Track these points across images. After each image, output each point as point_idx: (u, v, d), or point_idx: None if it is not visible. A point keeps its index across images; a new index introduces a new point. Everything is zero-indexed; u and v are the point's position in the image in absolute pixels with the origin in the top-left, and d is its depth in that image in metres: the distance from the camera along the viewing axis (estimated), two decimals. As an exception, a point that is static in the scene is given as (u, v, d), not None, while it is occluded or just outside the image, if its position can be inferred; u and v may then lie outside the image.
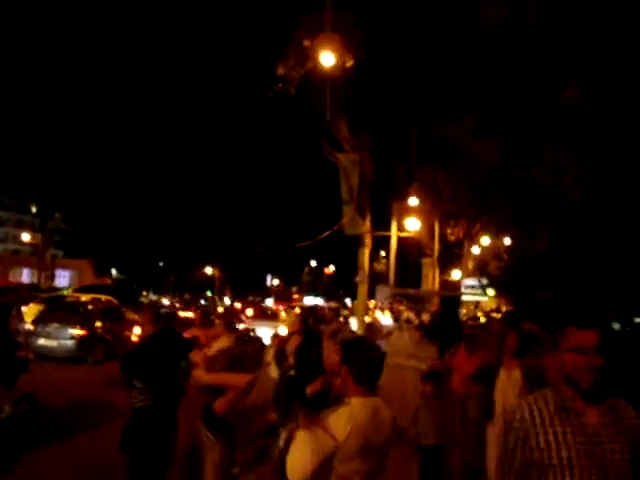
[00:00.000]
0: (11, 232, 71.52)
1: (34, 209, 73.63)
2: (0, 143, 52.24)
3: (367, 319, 30.51)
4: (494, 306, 43.09)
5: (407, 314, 29.57)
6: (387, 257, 23.38)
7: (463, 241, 22.86)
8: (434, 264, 27.41)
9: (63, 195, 70.00)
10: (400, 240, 26.23)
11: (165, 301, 44.67)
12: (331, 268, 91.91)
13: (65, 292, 20.84)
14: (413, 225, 19.36)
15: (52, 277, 52.55)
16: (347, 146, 19.11)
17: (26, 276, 55.97)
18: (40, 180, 65.76)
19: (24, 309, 13.86)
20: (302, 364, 5.29)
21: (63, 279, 62.30)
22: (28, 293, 18.36)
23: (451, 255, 34.67)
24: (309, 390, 4.04)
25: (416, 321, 27.37)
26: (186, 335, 6.83)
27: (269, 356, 7.04)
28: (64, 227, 75.71)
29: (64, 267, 62.12)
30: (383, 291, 18.58)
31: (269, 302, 55.66)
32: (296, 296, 69.52)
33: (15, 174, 62.68)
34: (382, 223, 20.73)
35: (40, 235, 49.96)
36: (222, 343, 6.08)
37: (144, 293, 54.21)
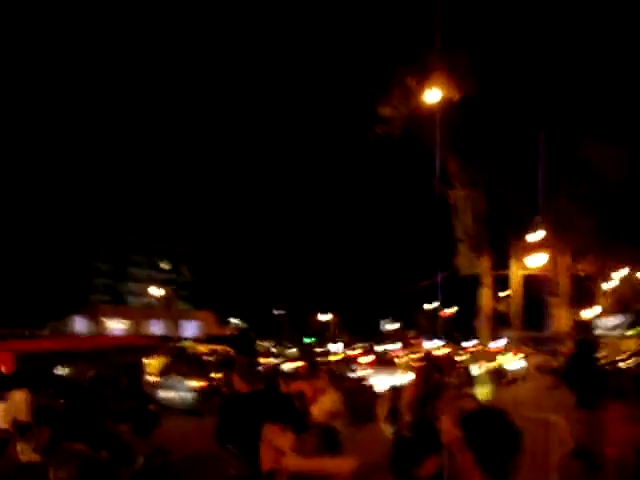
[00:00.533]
0: (142, 287, 76.71)
1: (163, 265, 79.07)
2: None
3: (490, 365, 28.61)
4: (634, 347, 38.49)
5: (539, 358, 27.37)
6: (509, 297, 21.84)
7: (596, 277, 20.82)
8: (563, 303, 25.24)
9: (190, 249, 74.82)
10: (525, 278, 24.48)
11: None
12: (449, 310, 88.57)
13: (186, 343, 21.54)
14: (536, 261, 17.93)
15: (177, 328, 55.38)
16: (457, 183, 18.39)
17: (157, 328, 59.36)
18: (169, 235, 70.89)
19: (149, 361, 14.32)
20: (420, 423, 4.65)
21: (190, 329, 65.49)
22: (159, 343, 19.14)
23: (583, 291, 31.80)
24: (421, 473, 3.34)
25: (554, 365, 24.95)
26: (292, 388, 6.46)
27: (383, 410, 6.47)
28: (190, 279, 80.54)
29: (189, 318, 65.27)
30: (508, 335, 17.23)
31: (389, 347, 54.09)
32: (412, 340, 67.28)
33: (145, 231, 68.07)
34: (502, 262, 19.48)
35: (170, 289, 53.11)
36: (328, 400, 5.66)
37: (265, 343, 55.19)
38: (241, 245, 73.05)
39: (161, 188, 69.49)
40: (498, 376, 17.65)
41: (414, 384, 6.39)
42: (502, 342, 17.39)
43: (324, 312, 75.94)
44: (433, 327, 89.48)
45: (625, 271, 24.72)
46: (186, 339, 29.39)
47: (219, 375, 13.46)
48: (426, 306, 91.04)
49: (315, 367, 7.50)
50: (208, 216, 72.11)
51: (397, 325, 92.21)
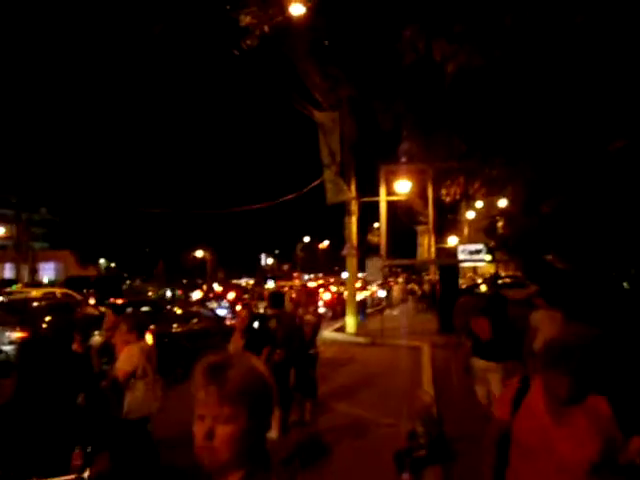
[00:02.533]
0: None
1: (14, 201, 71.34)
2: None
3: (363, 294, 28.75)
4: (492, 271, 41.49)
5: (411, 285, 27.69)
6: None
7: (460, 203, 20.88)
8: (430, 231, 25.54)
9: (46, 187, 68.04)
10: (391, 208, 24.32)
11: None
12: (325, 243, 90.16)
13: (14, 287, 18.89)
14: (403, 187, 17.39)
15: (34, 271, 50.46)
16: (325, 102, 17.03)
17: (8, 271, 53.79)
18: (21, 172, 63.72)
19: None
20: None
21: (48, 272, 60.34)
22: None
23: (446, 221, 32.84)
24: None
25: (419, 292, 25.37)
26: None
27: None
28: (49, 218, 73.85)
29: (47, 259, 59.91)
30: (375, 263, 16.66)
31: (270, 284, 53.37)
32: (295, 274, 67.38)
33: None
34: (371, 189, 18.74)
35: (16, 227, 47.69)
36: (125, 355, 4.28)
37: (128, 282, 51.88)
38: (108, 178, 67.85)
39: (15, 118, 62.28)
40: (364, 306, 17.22)
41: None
42: (372, 272, 16.84)
43: (199, 248, 73.57)
44: (311, 260, 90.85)
45: (481, 204, 25.49)
46: (15, 283, 26.05)
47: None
48: (305, 239, 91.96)
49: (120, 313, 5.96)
50: (68, 149, 65.72)
51: (272, 260, 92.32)
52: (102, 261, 69.14)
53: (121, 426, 4.35)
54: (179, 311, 12.89)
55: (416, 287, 34.23)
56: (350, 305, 16.88)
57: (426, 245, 27.64)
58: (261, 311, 13.53)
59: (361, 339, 15.64)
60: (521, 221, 13.42)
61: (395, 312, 21.83)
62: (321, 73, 15.55)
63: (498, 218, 16.31)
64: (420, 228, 28.87)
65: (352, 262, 16.98)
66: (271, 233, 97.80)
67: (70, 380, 3.73)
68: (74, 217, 69.10)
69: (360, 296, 21.92)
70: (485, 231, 16.19)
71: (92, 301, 24.03)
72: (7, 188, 65.16)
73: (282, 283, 30.27)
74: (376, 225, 35.59)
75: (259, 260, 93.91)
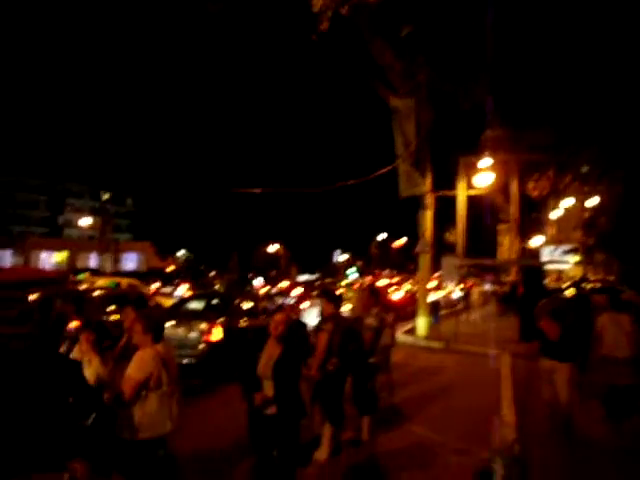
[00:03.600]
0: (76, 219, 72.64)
1: (106, 196, 75.22)
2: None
3: (437, 294, 27.29)
4: (579, 275, 38.58)
5: (494, 287, 25.95)
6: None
7: (546, 200, 19.10)
8: (512, 230, 23.79)
9: (132, 180, 70.95)
10: (470, 204, 22.76)
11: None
12: (402, 240, 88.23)
13: (82, 277, 19.07)
14: (485, 180, 15.94)
15: (116, 261, 52.34)
16: (401, 88, 15.90)
17: (93, 261, 56.19)
18: (110, 167, 66.83)
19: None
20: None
21: (130, 262, 62.66)
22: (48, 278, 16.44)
23: (530, 220, 30.66)
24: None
25: (501, 293, 23.32)
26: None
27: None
28: (132, 210, 77.04)
29: (129, 250, 62.22)
30: (450, 262, 15.38)
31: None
32: (378, 271, 65.78)
33: (84, 162, 63.88)
34: (448, 183, 17.43)
35: (106, 219, 49.63)
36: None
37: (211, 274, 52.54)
38: (190, 173, 69.76)
39: (105, 116, 65.54)
40: (437, 308, 15.97)
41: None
42: (447, 271, 15.55)
43: (273, 243, 73.95)
44: (385, 258, 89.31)
45: (571, 201, 23.35)
46: (83, 272, 26.54)
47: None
48: (379, 237, 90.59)
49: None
50: (153, 145, 68.13)
51: (346, 256, 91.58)
52: (182, 252, 71.01)
53: (129, 448, 3.61)
54: (247, 305, 12.30)
55: (498, 288, 32.29)
56: (422, 306, 15.68)
57: (507, 245, 25.75)
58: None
59: (433, 343, 14.45)
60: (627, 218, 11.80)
61: (473, 315, 20.33)
62: (398, 55, 14.44)
63: (598, 214, 14.57)
64: (501, 227, 27.01)
65: (425, 260, 15.77)
66: (346, 229, 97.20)
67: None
68: (156, 209, 71.66)
69: (434, 297, 20.61)
70: (584, 227, 14.49)
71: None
72: (95, 181, 68.70)
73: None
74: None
75: (332, 256, 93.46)
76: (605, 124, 10.71)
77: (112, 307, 11.42)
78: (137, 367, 3.59)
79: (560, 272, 36.83)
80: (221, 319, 10.00)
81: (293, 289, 19.89)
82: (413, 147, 15.97)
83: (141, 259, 62.80)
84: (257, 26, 15.72)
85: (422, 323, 15.53)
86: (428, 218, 15.75)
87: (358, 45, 15.17)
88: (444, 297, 28.20)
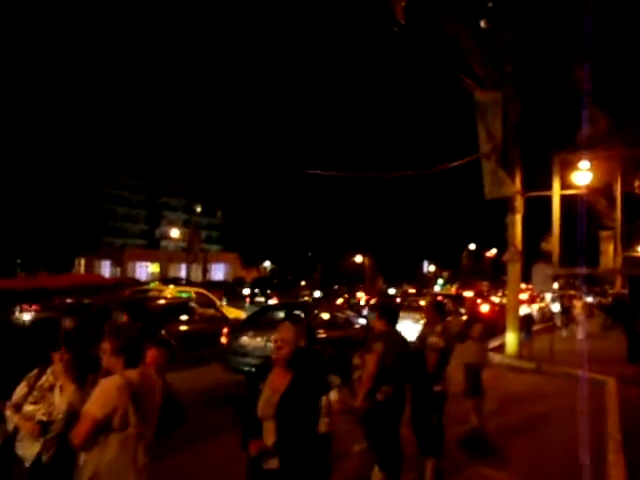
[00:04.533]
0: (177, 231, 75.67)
1: (199, 209, 78.17)
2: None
3: (531, 307, 25.10)
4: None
5: (598, 299, 23.55)
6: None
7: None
8: (616, 236, 21.28)
9: (223, 192, 72.97)
10: (568, 207, 20.64)
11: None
12: (493, 251, 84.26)
13: (152, 285, 19.05)
14: (583, 179, 14.14)
15: (205, 271, 53.54)
16: (487, 80, 14.50)
17: (183, 271, 57.93)
18: (203, 181, 69.21)
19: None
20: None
21: (218, 272, 64.22)
22: (118, 284, 16.52)
23: (636, 226, 27.62)
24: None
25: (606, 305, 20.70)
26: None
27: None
28: (222, 222, 79.12)
29: (218, 261, 63.80)
30: (542, 271, 13.67)
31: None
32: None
33: (181, 176, 66.54)
34: (540, 183, 15.70)
35: (195, 230, 50.98)
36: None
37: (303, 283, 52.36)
38: (274, 187, 70.61)
39: (196, 132, 68.22)
40: (529, 322, 14.24)
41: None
42: (539, 281, 13.83)
43: (358, 253, 72.91)
44: (477, 268, 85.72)
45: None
46: (153, 282, 26.88)
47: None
48: (470, 247, 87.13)
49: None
50: (241, 157, 69.75)
51: (434, 267, 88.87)
52: (268, 264, 71.77)
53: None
54: (326, 316, 11.57)
55: (603, 300, 29.39)
56: (511, 320, 14.05)
57: (610, 253, 23.18)
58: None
59: (523, 363, 12.79)
60: None
61: (574, 331, 18.21)
62: (483, 43, 13.09)
63: None
64: (604, 233, 24.44)
65: (515, 269, 14.15)
66: (434, 239, 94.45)
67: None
68: (244, 221, 73.02)
69: (526, 310, 18.75)
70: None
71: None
72: (189, 194, 71.35)
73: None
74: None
75: (421, 267, 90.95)
76: None
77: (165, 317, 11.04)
78: (96, 400, 2.74)
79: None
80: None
81: (371, 300, 18.81)
82: (500, 145, 14.49)
83: (229, 269, 64.23)
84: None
85: (511, 339, 13.90)
86: (517, 222, 14.16)
87: (440, 36, 14.03)
88: (539, 310, 25.92)
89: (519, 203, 14.21)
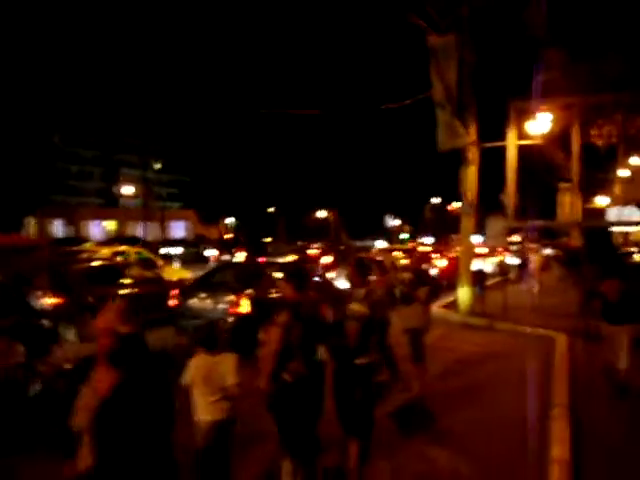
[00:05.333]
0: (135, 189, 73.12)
1: (157, 166, 75.66)
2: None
3: (489, 262, 24.91)
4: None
5: (556, 251, 23.49)
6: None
7: (616, 149, 16.35)
8: (574, 187, 21.07)
9: (182, 149, 70.69)
10: (525, 159, 20.22)
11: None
12: (456, 205, 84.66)
13: (87, 246, 18.02)
14: (539, 127, 13.56)
15: (163, 229, 52.11)
16: (441, 22, 13.62)
17: (141, 229, 56.26)
18: (161, 137, 66.71)
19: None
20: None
21: (178, 230, 62.64)
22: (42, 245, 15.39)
23: (594, 180, 27.59)
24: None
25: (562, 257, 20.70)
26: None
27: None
28: (181, 179, 76.93)
29: (177, 218, 62.21)
30: (496, 224, 13.21)
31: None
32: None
33: (137, 132, 63.94)
34: (497, 134, 15.08)
35: (149, 187, 49.25)
36: None
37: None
38: (233, 140, 68.72)
39: (155, 86, 65.34)
40: (482, 277, 13.86)
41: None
42: (493, 234, 13.37)
43: (322, 209, 72.23)
44: (441, 222, 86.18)
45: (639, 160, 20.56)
46: (87, 241, 25.73)
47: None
48: (433, 200, 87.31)
49: None
50: (199, 112, 67.37)
51: (398, 221, 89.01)
52: (231, 220, 70.43)
53: None
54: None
55: (560, 253, 29.46)
56: (463, 275, 13.63)
57: (568, 205, 23.00)
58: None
59: (474, 320, 12.43)
60: None
61: (530, 285, 17.99)
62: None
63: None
64: (561, 185, 24.22)
65: (468, 222, 13.65)
66: (397, 193, 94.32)
67: None
68: (204, 177, 71.17)
69: (481, 264, 18.41)
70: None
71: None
72: (147, 151, 68.87)
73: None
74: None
75: (384, 221, 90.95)
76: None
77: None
78: None
79: (626, 235, 33.56)
80: (249, 290, 9.43)
81: (323, 256, 18.14)
82: (455, 93, 13.73)
83: (189, 227, 62.71)
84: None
85: (463, 296, 13.51)
86: (472, 174, 13.57)
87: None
88: (498, 264, 25.74)
89: (473, 154, 13.59)
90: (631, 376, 6.46)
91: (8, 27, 50.64)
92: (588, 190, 28.92)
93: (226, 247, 38.66)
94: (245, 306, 9.22)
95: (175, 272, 14.93)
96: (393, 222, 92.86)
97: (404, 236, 79.11)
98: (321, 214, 73.55)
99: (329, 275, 14.65)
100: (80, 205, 60.15)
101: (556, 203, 25.36)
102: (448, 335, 10.89)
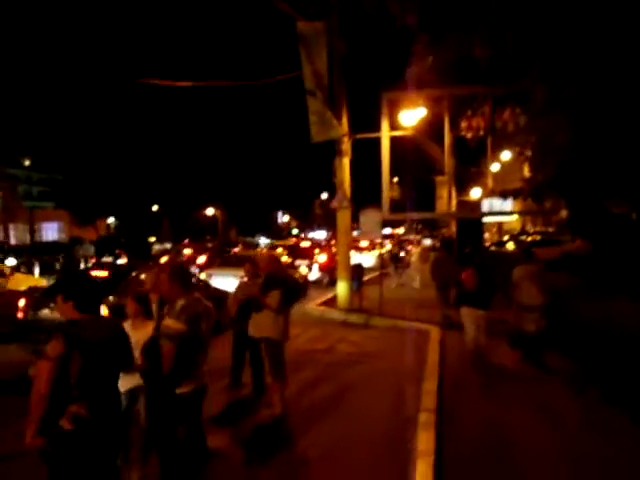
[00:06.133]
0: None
1: (27, 162, 69.46)
2: None
3: (370, 255, 25.01)
4: (518, 228, 37.27)
5: (433, 242, 23.82)
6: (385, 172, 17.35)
7: (485, 138, 16.71)
8: (449, 180, 21.58)
9: (55, 144, 65.14)
10: (402, 152, 20.36)
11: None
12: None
13: None
14: (410, 118, 13.44)
15: (32, 232, 47.64)
16: (310, 7, 13.04)
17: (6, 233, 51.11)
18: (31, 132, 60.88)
19: None
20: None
21: (51, 232, 57.83)
22: None
23: (469, 173, 28.68)
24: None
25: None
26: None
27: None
28: (53, 177, 71.18)
29: (49, 220, 57.37)
30: (370, 217, 12.88)
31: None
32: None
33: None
34: (372, 126, 14.78)
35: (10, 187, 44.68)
36: None
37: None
38: (112, 134, 64.56)
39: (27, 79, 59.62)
40: (359, 272, 13.50)
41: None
42: (368, 228, 13.01)
43: (210, 206, 70.03)
44: (328, 217, 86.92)
45: (509, 154, 21.54)
46: None
47: None
48: (323, 196, 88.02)
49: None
50: (74, 105, 62.51)
51: (288, 217, 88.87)
52: (112, 220, 66.28)
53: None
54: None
55: (437, 244, 30.29)
56: (341, 270, 13.19)
57: (446, 198, 23.61)
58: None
59: (352, 317, 12.01)
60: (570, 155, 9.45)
61: (408, 278, 18.08)
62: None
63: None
64: (439, 179, 24.86)
65: (344, 216, 13.23)
66: (287, 189, 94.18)
67: None
68: (78, 175, 66.33)
69: (360, 258, 18.26)
70: (531, 163, 12.10)
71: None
72: (15, 148, 62.86)
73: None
74: (397, 179, 31.05)
75: (274, 218, 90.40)
76: (556, 34, 8.25)
77: None
78: None
79: (499, 226, 35.44)
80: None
81: (199, 256, 17.01)
82: (325, 81, 13.22)
83: (62, 229, 58.07)
84: None
85: (342, 292, 13.07)
86: (345, 166, 13.15)
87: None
88: (379, 257, 25.88)
89: (346, 145, 13.18)
90: (488, 354, 7.15)
91: None
92: (463, 183, 30.00)
93: (106, 248, 36.03)
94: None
95: (24, 280, 13.18)
96: (283, 218, 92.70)
97: (295, 232, 79.12)
98: (209, 212, 71.38)
99: (203, 275, 13.63)
100: None
101: (434, 196, 26.02)
102: (325, 335, 10.33)
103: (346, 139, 13.15)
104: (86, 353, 2.85)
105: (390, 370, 7.67)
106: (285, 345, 5.84)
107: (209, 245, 21.72)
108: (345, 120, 13.22)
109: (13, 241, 44.18)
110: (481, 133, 15.16)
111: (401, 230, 61.76)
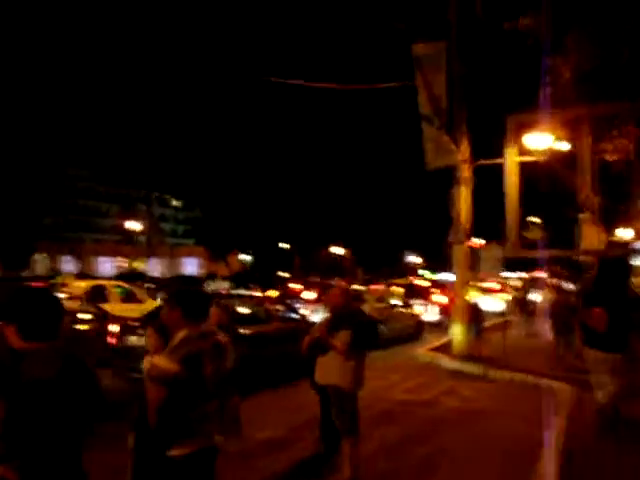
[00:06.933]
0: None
1: (177, 203, 75.91)
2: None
3: (499, 298, 22.83)
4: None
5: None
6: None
7: (632, 166, 14.44)
8: (594, 215, 19.02)
9: (200, 186, 70.30)
10: (528, 181, 18.37)
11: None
12: (481, 241, 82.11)
13: (59, 279, 17.15)
14: (540, 142, 11.86)
15: (172, 265, 50.96)
16: (428, 29, 12.21)
17: (150, 266, 55.15)
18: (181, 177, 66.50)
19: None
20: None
21: (190, 266, 61.54)
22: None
23: (617, 211, 25.46)
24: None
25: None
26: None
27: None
28: (199, 215, 76.57)
29: (188, 255, 61.44)
30: (490, 254, 11.36)
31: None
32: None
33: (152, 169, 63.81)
34: (493, 150, 13.37)
35: (147, 222, 48.31)
36: None
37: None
38: (248, 177, 67.99)
39: (167, 126, 65.81)
40: (478, 315, 11.92)
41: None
42: (488, 267, 11.49)
43: (336, 245, 70.57)
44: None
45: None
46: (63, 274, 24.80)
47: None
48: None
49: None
50: (216, 152, 67.09)
51: (417, 257, 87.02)
52: (244, 257, 69.25)
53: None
54: (246, 310, 9.76)
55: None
56: (457, 313, 11.73)
57: (594, 237, 20.84)
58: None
59: (467, 367, 10.46)
60: None
61: (525, 329, 15.93)
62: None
63: None
64: (582, 216, 22.13)
65: (460, 252, 11.83)
66: (416, 230, 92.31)
67: None
68: (217, 214, 70.34)
69: (482, 300, 16.45)
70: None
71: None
72: (162, 187, 68.89)
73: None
74: (534, 219, 28.42)
75: (402, 257, 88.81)
76: None
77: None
78: None
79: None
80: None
81: (305, 291, 16.50)
82: (444, 105, 12.18)
83: (201, 263, 61.56)
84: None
85: (457, 336, 11.58)
86: (463, 196, 11.83)
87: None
88: (512, 301, 23.43)
89: (466, 173, 11.89)
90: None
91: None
92: (610, 222, 26.67)
93: (241, 282, 37.68)
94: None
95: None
96: (411, 258, 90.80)
97: (421, 272, 76.93)
98: (336, 250, 71.82)
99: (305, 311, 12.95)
100: (96, 242, 59.64)
101: (574, 234, 23.25)
102: (429, 385, 8.99)
103: (466, 166, 11.87)
104: (16, 395, 2.09)
105: (501, 437, 6.22)
106: (358, 394, 4.78)
107: (318, 280, 21.33)
108: (466, 145, 11.99)
109: (155, 273, 47.41)
110: (630, 157, 13.12)
111: (543, 274, 56.91)
